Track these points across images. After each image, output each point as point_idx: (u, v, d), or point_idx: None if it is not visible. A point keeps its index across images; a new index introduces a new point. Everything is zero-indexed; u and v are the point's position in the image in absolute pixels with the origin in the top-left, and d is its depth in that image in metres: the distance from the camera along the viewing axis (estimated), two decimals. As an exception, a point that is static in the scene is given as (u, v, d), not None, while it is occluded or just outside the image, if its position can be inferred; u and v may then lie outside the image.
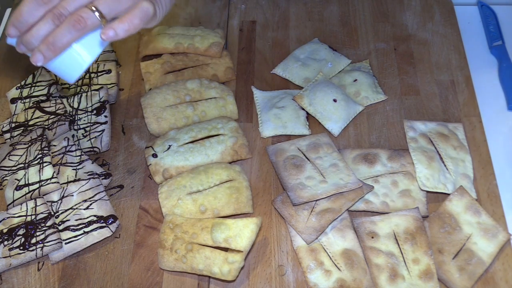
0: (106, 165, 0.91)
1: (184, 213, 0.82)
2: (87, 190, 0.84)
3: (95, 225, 0.81)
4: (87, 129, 0.92)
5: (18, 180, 0.85)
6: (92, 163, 0.88)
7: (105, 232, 0.82)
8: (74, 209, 0.83)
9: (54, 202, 0.83)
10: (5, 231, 0.81)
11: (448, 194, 0.83)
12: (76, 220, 0.82)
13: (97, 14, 0.64)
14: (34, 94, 0.97)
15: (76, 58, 0.69)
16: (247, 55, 1.05)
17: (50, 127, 0.91)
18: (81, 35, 0.65)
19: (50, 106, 0.94)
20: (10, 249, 0.79)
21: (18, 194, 0.84)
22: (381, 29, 1.08)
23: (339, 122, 0.92)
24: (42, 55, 0.65)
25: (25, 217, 0.81)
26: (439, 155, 0.87)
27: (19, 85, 0.99)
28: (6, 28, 0.66)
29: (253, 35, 1.08)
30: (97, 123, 0.92)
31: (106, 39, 0.65)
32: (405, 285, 0.75)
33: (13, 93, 0.98)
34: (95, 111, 0.93)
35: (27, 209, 0.82)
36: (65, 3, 0.64)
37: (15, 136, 0.92)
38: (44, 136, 0.89)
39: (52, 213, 0.82)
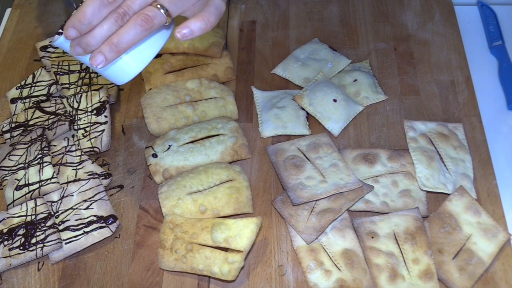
0: (106, 165, 0.91)
1: (184, 213, 0.82)
2: (87, 190, 0.84)
3: (95, 225, 0.81)
4: (87, 129, 0.92)
5: (18, 180, 0.85)
6: (92, 163, 0.88)
7: (105, 232, 0.82)
8: (74, 209, 0.83)
9: (54, 202, 0.83)
10: (5, 231, 0.81)
11: (448, 194, 0.83)
12: (76, 220, 0.82)
13: (163, 11, 0.62)
14: (34, 94, 0.97)
15: (132, 60, 0.67)
16: (247, 55, 1.05)
17: (50, 127, 0.91)
18: (147, 35, 0.63)
19: (50, 106, 0.94)
20: (10, 249, 0.79)
21: (18, 194, 0.84)
22: (381, 29, 1.08)
23: (339, 122, 0.92)
24: (103, 56, 0.62)
25: (25, 217, 0.81)
26: (439, 155, 0.87)
27: (19, 85, 0.99)
28: (65, 30, 0.61)
29: (253, 35, 1.08)
30: (97, 123, 0.92)
31: (182, 38, 0.63)
32: (405, 285, 0.75)
33: (13, 93, 0.98)
34: (95, 111, 0.93)
35: (27, 209, 0.82)
36: (130, 2, 0.61)
37: (15, 136, 0.92)
38: (44, 136, 0.89)
39: (52, 213, 0.82)
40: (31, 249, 0.79)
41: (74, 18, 0.61)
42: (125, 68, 0.67)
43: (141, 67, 0.68)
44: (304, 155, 0.87)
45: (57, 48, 1.04)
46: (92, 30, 0.61)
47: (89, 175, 0.86)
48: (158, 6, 0.62)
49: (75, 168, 0.87)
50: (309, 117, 0.94)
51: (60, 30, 0.66)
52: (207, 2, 0.65)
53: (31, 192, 0.84)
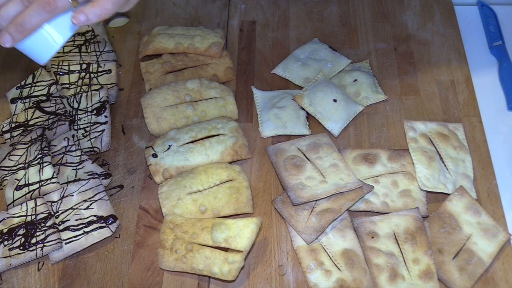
0: (106, 165, 0.91)
1: (184, 213, 0.82)
2: (87, 190, 0.84)
3: (95, 225, 0.81)
4: (87, 129, 0.92)
5: (18, 180, 0.85)
6: (92, 163, 0.88)
7: (105, 232, 0.82)
8: (74, 209, 0.83)
9: (54, 202, 0.83)
10: (5, 231, 0.81)
11: (448, 194, 0.83)
12: (76, 220, 0.82)
13: None
14: (34, 94, 0.97)
15: (47, 39, 0.68)
16: (247, 55, 1.05)
17: (50, 127, 0.91)
18: (51, 17, 0.65)
19: (50, 106, 0.94)
20: (10, 249, 0.79)
21: (18, 194, 0.84)
22: (381, 29, 1.08)
23: (339, 122, 0.92)
24: (10, 36, 0.64)
25: (25, 217, 0.81)
26: (439, 155, 0.87)
27: (19, 85, 0.99)
28: None
29: (253, 35, 1.08)
30: (97, 123, 0.92)
31: (77, 24, 0.64)
32: (405, 285, 0.75)
33: (13, 93, 0.98)
34: (95, 111, 0.93)
35: (27, 209, 0.82)
36: None
37: (15, 136, 0.92)
38: (44, 136, 0.89)
39: (52, 213, 0.82)
40: (31, 249, 0.79)
41: None
42: (47, 40, 0.68)
43: (63, 40, 0.69)
44: (304, 155, 0.87)
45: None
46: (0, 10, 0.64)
47: (89, 175, 0.86)
48: None
49: (75, 168, 0.87)
50: (309, 117, 0.94)
51: None
52: None
53: (31, 192, 0.84)
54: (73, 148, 0.88)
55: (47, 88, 0.97)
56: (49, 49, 0.70)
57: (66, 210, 0.83)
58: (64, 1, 0.64)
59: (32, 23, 0.64)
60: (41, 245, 0.79)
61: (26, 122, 0.93)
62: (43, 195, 0.84)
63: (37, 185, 0.84)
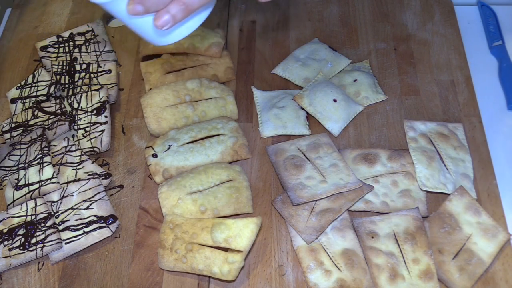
0: (106, 165, 0.91)
1: (184, 213, 0.82)
2: (87, 190, 0.84)
3: (95, 225, 0.81)
4: (87, 129, 0.92)
5: (18, 180, 0.85)
6: (92, 163, 0.88)
7: (105, 232, 0.82)
8: (74, 209, 0.83)
9: (54, 202, 0.83)
10: (5, 231, 0.81)
11: (448, 194, 0.83)
12: (76, 220, 0.82)
13: None
14: (34, 94, 0.97)
15: (182, 24, 0.61)
16: (247, 55, 1.05)
17: (50, 127, 0.91)
18: None
19: (50, 106, 0.94)
20: (10, 249, 0.79)
21: (18, 194, 0.84)
22: (381, 29, 1.08)
23: (339, 122, 0.92)
24: (171, 16, 0.55)
25: (25, 217, 0.81)
26: (439, 155, 0.87)
27: (19, 85, 0.99)
28: None
29: (253, 35, 1.08)
30: (97, 123, 0.92)
31: None
32: (405, 285, 0.75)
33: (13, 93, 0.98)
34: (95, 111, 0.93)
35: (27, 209, 0.82)
36: None
37: (15, 136, 0.92)
38: (44, 136, 0.89)
39: (52, 213, 0.82)
40: (31, 249, 0.79)
41: None
42: (172, 30, 0.61)
43: (188, 32, 0.63)
44: (304, 155, 0.87)
45: (57, 47, 1.04)
46: None
47: (89, 175, 0.86)
48: None
49: (75, 168, 0.87)
50: (309, 117, 0.94)
51: None
52: None
53: (31, 192, 0.84)
54: (73, 148, 0.88)
55: (47, 88, 0.98)
56: (175, 35, 0.62)
57: (66, 210, 0.83)
58: None
59: (200, 1, 0.55)
60: (41, 245, 0.79)
61: (26, 122, 0.93)
62: (43, 195, 0.84)
63: (37, 185, 0.84)
